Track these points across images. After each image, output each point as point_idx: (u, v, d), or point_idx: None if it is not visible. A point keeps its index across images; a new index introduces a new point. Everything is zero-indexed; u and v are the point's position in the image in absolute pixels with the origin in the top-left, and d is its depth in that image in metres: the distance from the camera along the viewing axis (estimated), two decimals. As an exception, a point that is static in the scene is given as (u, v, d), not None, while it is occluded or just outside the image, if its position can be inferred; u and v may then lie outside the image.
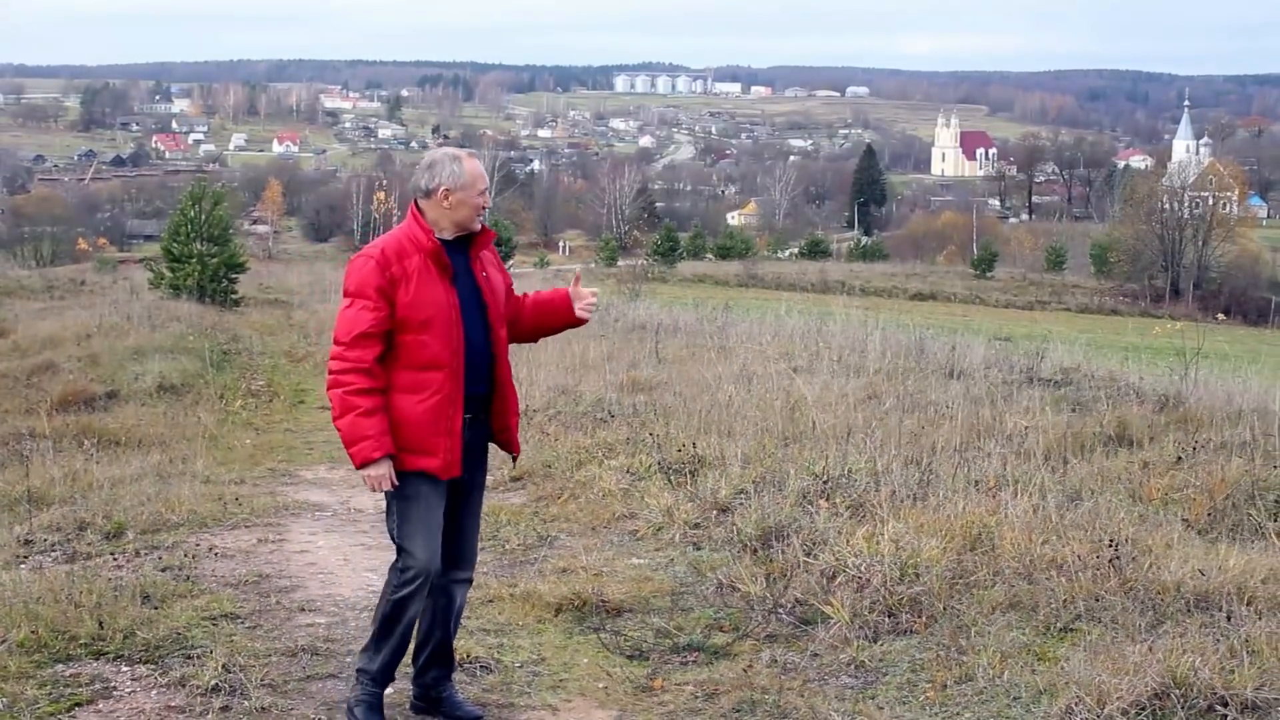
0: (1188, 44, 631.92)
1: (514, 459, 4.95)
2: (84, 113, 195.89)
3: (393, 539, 4.56)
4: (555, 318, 4.86)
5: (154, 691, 4.97)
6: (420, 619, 4.70)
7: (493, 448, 4.79)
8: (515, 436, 4.76)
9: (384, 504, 4.63)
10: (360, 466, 4.37)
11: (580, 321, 4.85)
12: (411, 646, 4.73)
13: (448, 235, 4.53)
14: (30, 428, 11.42)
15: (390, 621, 4.56)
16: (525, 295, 4.90)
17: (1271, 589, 5.24)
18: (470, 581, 4.85)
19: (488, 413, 4.64)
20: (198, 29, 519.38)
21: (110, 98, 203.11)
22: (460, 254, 4.55)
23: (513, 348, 5.05)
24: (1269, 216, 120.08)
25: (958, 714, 4.63)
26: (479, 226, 4.59)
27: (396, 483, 4.40)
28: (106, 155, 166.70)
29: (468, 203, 4.51)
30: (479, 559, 6.88)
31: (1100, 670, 4.54)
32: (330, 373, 4.43)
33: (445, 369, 4.41)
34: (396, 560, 4.55)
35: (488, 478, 4.94)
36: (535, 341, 5.07)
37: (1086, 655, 4.73)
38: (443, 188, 4.49)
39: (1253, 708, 4.35)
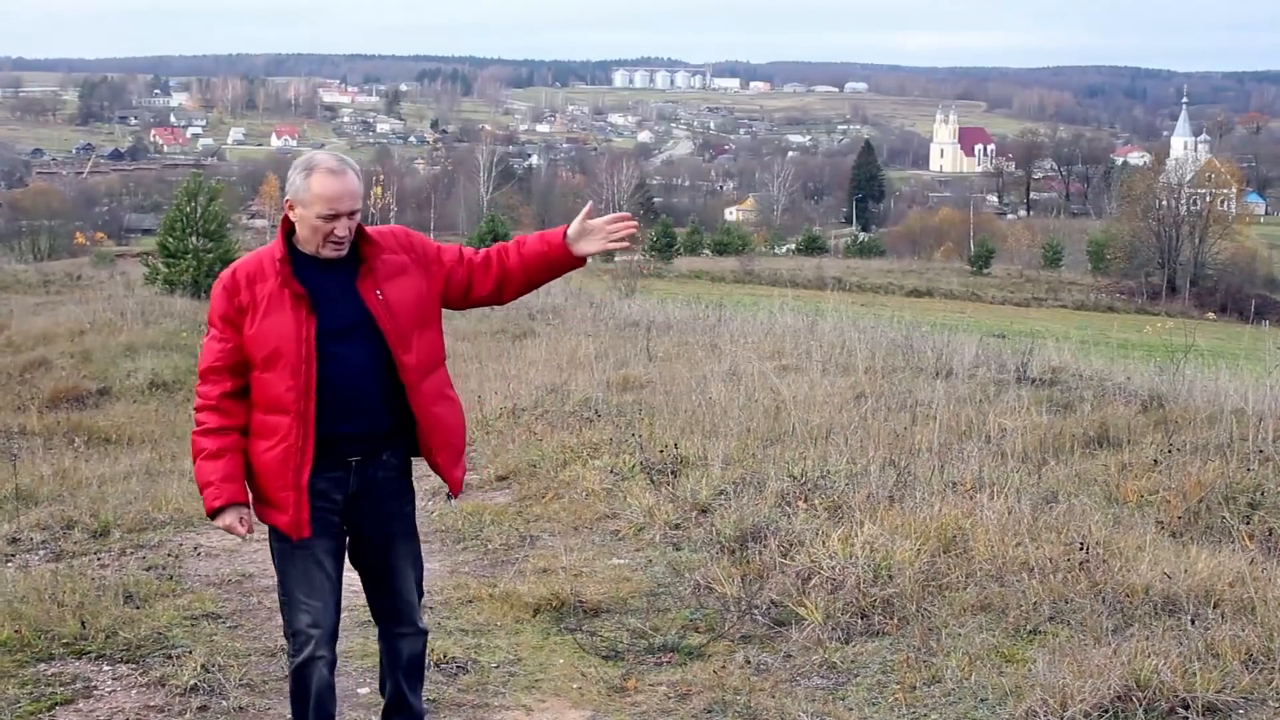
0: (1186, 40, 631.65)
1: (449, 496, 4.30)
2: (82, 106, 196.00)
3: None
4: (550, 270, 4.16)
5: (134, 691, 5.04)
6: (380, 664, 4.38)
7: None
8: (453, 473, 4.13)
9: None
10: (209, 515, 3.93)
11: (581, 262, 4.14)
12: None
13: (310, 250, 3.92)
14: (21, 425, 11.51)
15: (298, 697, 4.09)
16: (510, 247, 4.19)
17: (1238, 592, 5.29)
18: (420, 634, 4.28)
19: (396, 448, 4.06)
20: (196, 22, 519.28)
21: (108, 91, 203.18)
22: (339, 273, 3.92)
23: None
24: (1267, 213, 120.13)
25: (925, 715, 4.70)
26: (331, 254, 3.89)
27: (250, 529, 3.95)
28: (104, 149, 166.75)
29: (306, 223, 3.86)
30: (461, 558, 6.99)
31: (1065, 672, 4.60)
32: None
33: (291, 413, 3.85)
34: (285, 623, 4.10)
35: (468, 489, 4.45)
36: (532, 291, 4.31)
37: (1052, 657, 4.79)
38: (287, 197, 3.91)
39: (1213, 710, 4.42)
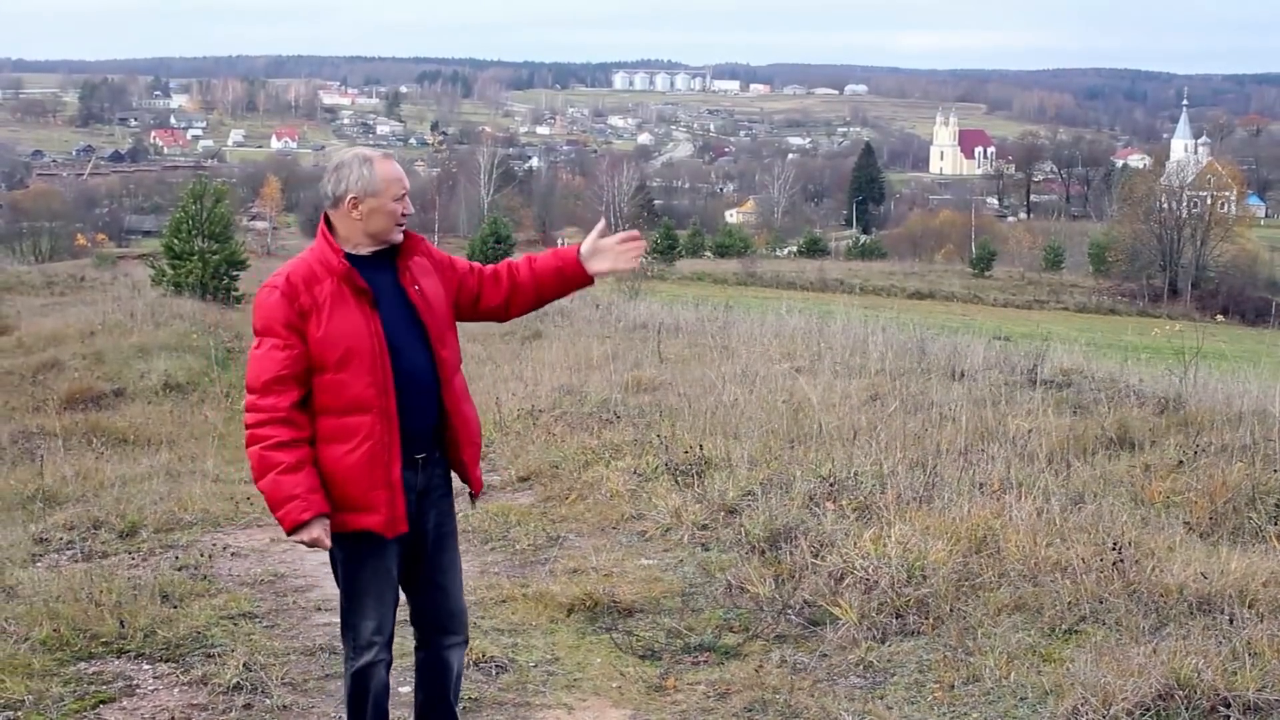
0: (1186, 42, 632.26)
1: (473, 498, 4.27)
2: (82, 108, 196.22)
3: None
4: (562, 285, 4.24)
5: (176, 689, 5.07)
6: (416, 693, 4.29)
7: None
8: (475, 471, 4.16)
9: None
10: (291, 531, 3.82)
11: (591, 280, 4.23)
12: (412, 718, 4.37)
13: (364, 250, 3.94)
14: (40, 425, 11.54)
15: (357, 700, 4.06)
16: (520, 262, 4.26)
17: (1273, 592, 5.33)
18: (466, 643, 4.30)
19: (443, 446, 4.08)
20: (196, 23, 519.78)
21: (108, 93, 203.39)
22: (383, 270, 3.95)
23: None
24: (1267, 216, 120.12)
25: (965, 714, 4.73)
26: (400, 237, 3.98)
27: (330, 543, 3.87)
28: (105, 150, 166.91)
29: (381, 211, 3.90)
30: (490, 559, 7.02)
31: (1105, 671, 4.64)
32: (246, 427, 3.86)
33: (373, 410, 3.83)
34: (345, 627, 4.06)
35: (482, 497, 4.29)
36: (538, 307, 4.39)
37: (1091, 657, 4.82)
38: (350, 196, 3.88)
39: (1255, 709, 4.44)
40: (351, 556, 3.94)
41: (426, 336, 3.97)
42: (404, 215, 3.95)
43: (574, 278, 4.22)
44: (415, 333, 3.95)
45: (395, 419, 3.86)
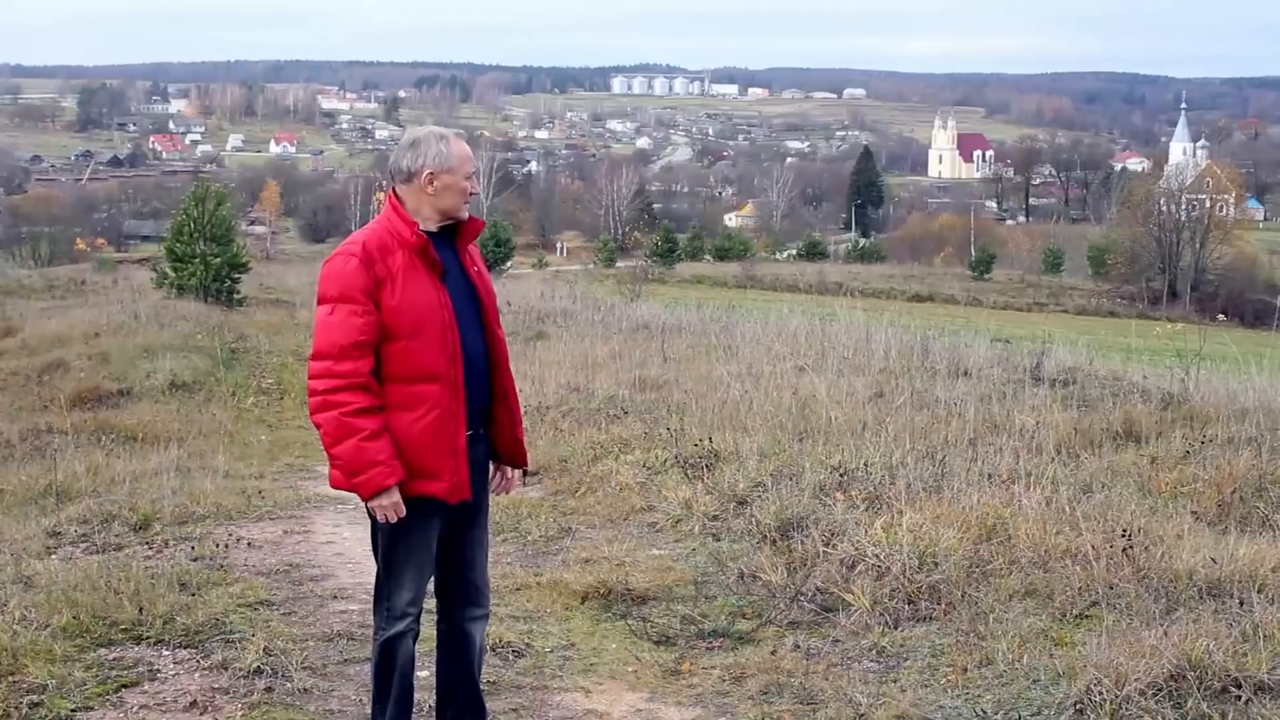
0: (1184, 46, 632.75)
1: (523, 473, 4.42)
2: (81, 113, 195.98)
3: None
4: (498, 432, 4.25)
5: (197, 674, 5.12)
6: (439, 669, 4.33)
7: None
8: (524, 448, 4.31)
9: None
10: (371, 497, 3.87)
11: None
12: (433, 702, 4.42)
13: (431, 225, 4.02)
14: (49, 424, 11.59)
15: (384, 670, 4.11)
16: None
17: (1281, 577, 5.39)
18: (487, 617, 4.38)
19: (489, 425, 4.19)
20: (194, 28, 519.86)
21: (107, 98, 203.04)
22: (448, 247, 4.06)
23: (512, 352, 4.68)
24: (1266, 219, 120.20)
25: (979, 696, 4.78)
26: (466, 215, 4.10)
27: (404, 510, 3.92)
28: (103, 155, 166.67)
29: (454, 187, 4.01)
30: (502, 549, 7.08)
31: (1118, 653, 4.69)
32: (316, 393, 3.88)
33: (441, 380, 3.92)
34: (380, 599, 4.11)
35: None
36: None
37: (1103, 640, 4.87)
38: (427, 170, 3.98)
39: (1266, 689, 4.51)
40: (394, 531, 3.98)
41: (483, 316, 4.11)
42: (475, 189, 4.10)
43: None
44: (474, 311, 4.08)
45: (462, 389, 3.97)
